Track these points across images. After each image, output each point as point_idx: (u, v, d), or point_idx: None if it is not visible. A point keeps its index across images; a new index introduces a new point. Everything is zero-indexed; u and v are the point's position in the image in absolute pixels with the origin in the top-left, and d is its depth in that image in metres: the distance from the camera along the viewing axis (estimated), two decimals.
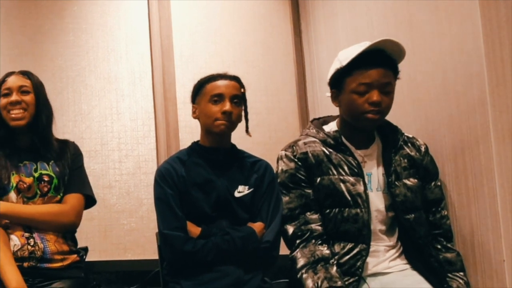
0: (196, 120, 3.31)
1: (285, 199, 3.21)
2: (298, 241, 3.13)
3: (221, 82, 3.20)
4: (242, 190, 3.22)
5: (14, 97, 3.35)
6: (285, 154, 3.26)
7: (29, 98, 3.39)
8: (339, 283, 2.97)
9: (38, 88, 3.45)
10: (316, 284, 2.97)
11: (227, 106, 3.14)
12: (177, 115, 4.83)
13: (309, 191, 3.18)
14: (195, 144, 3.35)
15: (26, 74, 3.46)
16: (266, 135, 4.92)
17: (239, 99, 3.22)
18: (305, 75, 5.07)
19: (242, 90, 3.24)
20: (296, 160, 3.21)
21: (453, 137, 3.21)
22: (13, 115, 3.34)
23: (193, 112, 3.31)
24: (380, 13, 3.88)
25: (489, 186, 2.97)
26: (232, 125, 3.21)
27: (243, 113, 3.29)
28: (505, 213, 2.89)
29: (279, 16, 5.15)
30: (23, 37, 4.87)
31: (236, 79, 3.26)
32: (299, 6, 5.16)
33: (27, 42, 4.86)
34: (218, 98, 3.16)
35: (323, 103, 4.78)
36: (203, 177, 3.21)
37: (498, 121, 2.92)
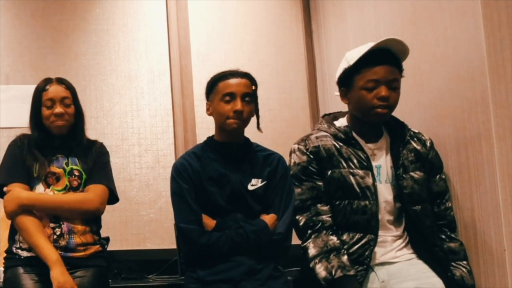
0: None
1: (297, 190, 3.22)
2: (309, 232, 3.14)
3: (232, 81, 3.17)
4: (255, 183, 3.22)
5: (58, 109, 3.35)
6: (298, 148, 3.27)
7: (70, 110, 3.40)
8: (352, 272, 2.99)
9: (76, 99, 3.47)
10: (330, 273, 2.99)
11: (238, 105, 3.12)
12: (194, 111, 4.83)
13: (320, 183, 3.20)
14: (209, 139, 3.34)
15: (64, 83, 3.45)
16: (279, 130, 4.92)
17: (251, 97, 3.20)
18: (316, 73, 5.07)
19: (253, 87, 3.22)
20: (308, 153, 3.22)
21: (456, 132, 3.22)
22: (57, 123, 3.35)
23: (207, 109, 3.30)
24: (387, 15, 3.88)
25: (490, 179, 2.98)
26: (243, 123, 3.20)
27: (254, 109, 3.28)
28: (506, 205, 2.91)
29: (291, 17, 5.14)
30: (48, 38, 4.89)
31: (247, 76, 3.23)
32: (310, 8, 5.15)
33: (52, 43, 4.88)
34: (229, 97, 3.14)
35: (333, 100, 4.77)
36: (218, 171, 3.21)
37: (499, 117, 2.94)
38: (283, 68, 5.07)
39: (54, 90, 3.40)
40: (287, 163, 3.32)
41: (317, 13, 5.04)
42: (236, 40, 5.04)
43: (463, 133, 3.16)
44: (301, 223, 3.17)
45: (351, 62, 3.13)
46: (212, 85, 3.25)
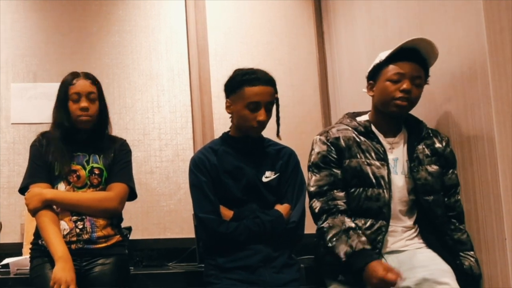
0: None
1: (316, 177, 3.26)
2: (325, 215, 3.17)
3: (258, 89, 3.13)
4: (269, 176, 3.25)
5: (84, 103, 3.32)
6: (320, 138, 3.33)
7: (95, 106, 3.38)
8: (371, 247, 3.04)
9: (102, 94, 3.45)
10: (350, 246, 3.01)
11: (262, 116, 3.13)
12: (211, 108, 4.84)
13: (338, 171, 3.24)
14: (225, 135, 3.36)
15: (91, 78, 3.42)
16: (292, 126, 4.91)
17: (273, 104, 3.21)
18: (327, 72, 5.06)
19: (276, 95, 3.21)
20: (328, 143, 3.28)
21: (460, 128, 3.23)
22: (82, 118, 3.33)
23: (227, 107, 3.27)
24: (394, 16, 3.89)
25: (492, 172, 2.99)
26: (263, 128, 3.22)
27: (274, 114, 3.27)
28: (507, 197, 2.92)
29: (303, 18, 5.14)
30: (73, 38, 4.92)
31: (272, 83, 3.19)
32: (322, 10, 5.14)
33: (77, 43, 4.91)
34: (254, 105, 3.13)
35: (343, 97, 4.79)
36: (233, 165, 3.25)
37: (501, 114, 2.95)
38: (296, 67, 5.08)
39: (81, 84, 3.38)
40: (309, 152, 3.37)
41: (328, 15, 5.04)
42: (252, 40, 5.05)
43: (466, 128, 3.18)
44: (318, 208, 3.21)
45: (383, 57, 3.21)
46: (237, 86, 3.21)
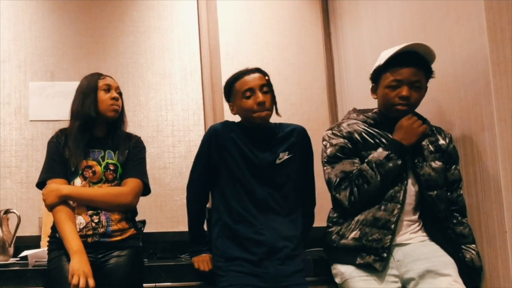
0: None
1: (339, 166, 3.26)
2: (357, 181, 3.20)
3: (247, 78, 3.22)
4: (282, 157, 3.27)
5: (115, 94, 3.44)
6: (332, 132, 3.33)
7: (121, 101, 3.49)
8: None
9: (121, 93, 3.54)
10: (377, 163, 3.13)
11: (260, 97, 3.16)
12: (223, 106, 4.83)
13: (357, 160, 3.25)
14: (240, 122, 3.36)
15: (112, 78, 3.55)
16: (300, 123, 4.72)
17: (267, 87, 3.22)
18: (334, 71, 5.05)
19: (266, 77, 3.24)
20: (343, 136, 3.28)
21: (462, 124, 3.25)
22: (114, 107, 3.42)
23: (232, 109, 3.34)
24: (399, 17, 3.89)
25: (493, 167, 3.02)
26: (269, 111, 3.23)
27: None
28: (507, 191, 2.95)
29: (311, 20, 5.13)
30: (89, 39, 4.94)
31: (258, 70, 3.27)
32: (329, 11, 5.15)
33: (93, 43, 4.93)
34: (249, 92, 3.19)
35: (349, 96, 4.80)
36: (247, 147, 3.26)
37: (501, 111, 2.97)
38: (304, 66, 5.07)
39: (110, 79, 3.50)
40: (321, 148, 3.38)
41: (335, 16, 5.04)
42: (262, 40, 5.04)
43: (468, 125, 3.20)
44: (347, 195, 3.21)
45: (382, 62, 3.20)
46: (230, 87, 3.31)
